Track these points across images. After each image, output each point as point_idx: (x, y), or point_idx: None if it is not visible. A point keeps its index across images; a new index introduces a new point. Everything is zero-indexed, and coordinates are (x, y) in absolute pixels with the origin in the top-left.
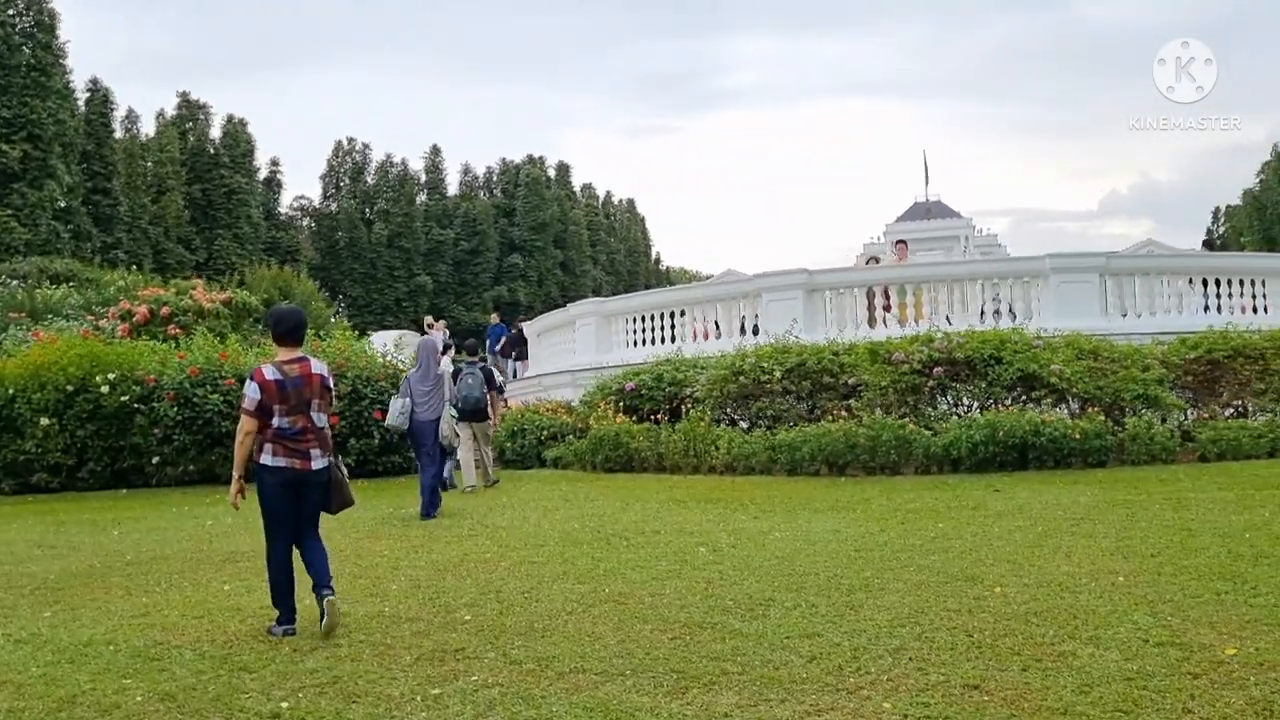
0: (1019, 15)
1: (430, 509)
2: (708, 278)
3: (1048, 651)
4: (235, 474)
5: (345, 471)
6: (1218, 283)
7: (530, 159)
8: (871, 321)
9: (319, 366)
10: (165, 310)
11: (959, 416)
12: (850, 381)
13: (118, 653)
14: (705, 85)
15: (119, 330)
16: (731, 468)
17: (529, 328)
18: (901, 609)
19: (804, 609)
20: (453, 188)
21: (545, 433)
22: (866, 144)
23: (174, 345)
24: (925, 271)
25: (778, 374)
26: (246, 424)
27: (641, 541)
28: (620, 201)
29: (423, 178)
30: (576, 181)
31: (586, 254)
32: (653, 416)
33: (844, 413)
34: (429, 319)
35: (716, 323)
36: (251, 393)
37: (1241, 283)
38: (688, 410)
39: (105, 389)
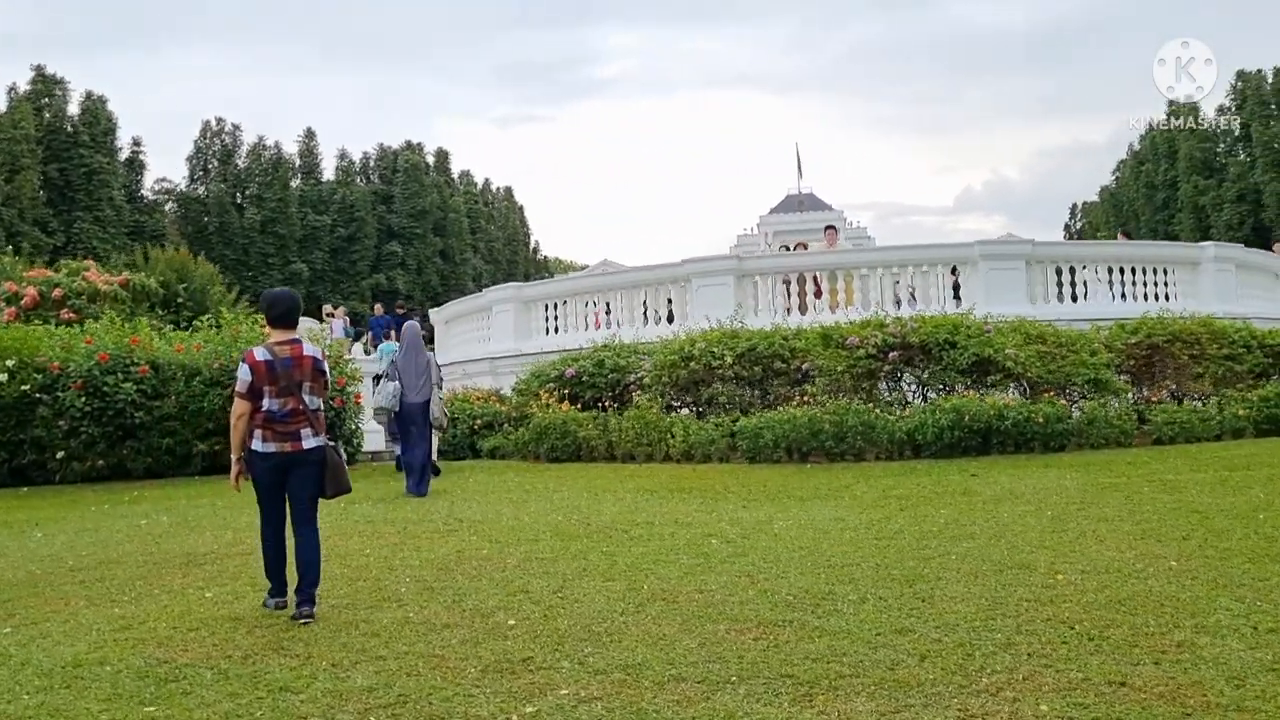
0: (881, 14)
1: (421, 485)
2: (583, 268)
3: (1164, 643)
4: (234, 456)
5: (344, 456)
6: (1132, 271)
7: (409, 145)
8: (803, 308)
9: (311, 349)
10: (57, 293)
11: (918, 401)
12: (804, 367)
13: (119, 674)
14: (577, 75)
15: (5, 315)
16: (689, 456)
17: (437, 314)
18: (977, 600)
19: (874, 602)
20: (329, 173)
21: (479, 421)
22: (739, 137)
23: (77, 330)
24: (856, 258)
25: (729, 359)
26: (239, 406)
27: (641, 534)
28: (498, 189)
29: (297, 162)
30: (455, 169)
31: (467, 242)
32: (598, 404)
33: (798, 398)
34: (328, 307)
35: (644, 306)
36: (243, 374)
37: (1154, 271)
38: (631, 397)
39: (3, 377)
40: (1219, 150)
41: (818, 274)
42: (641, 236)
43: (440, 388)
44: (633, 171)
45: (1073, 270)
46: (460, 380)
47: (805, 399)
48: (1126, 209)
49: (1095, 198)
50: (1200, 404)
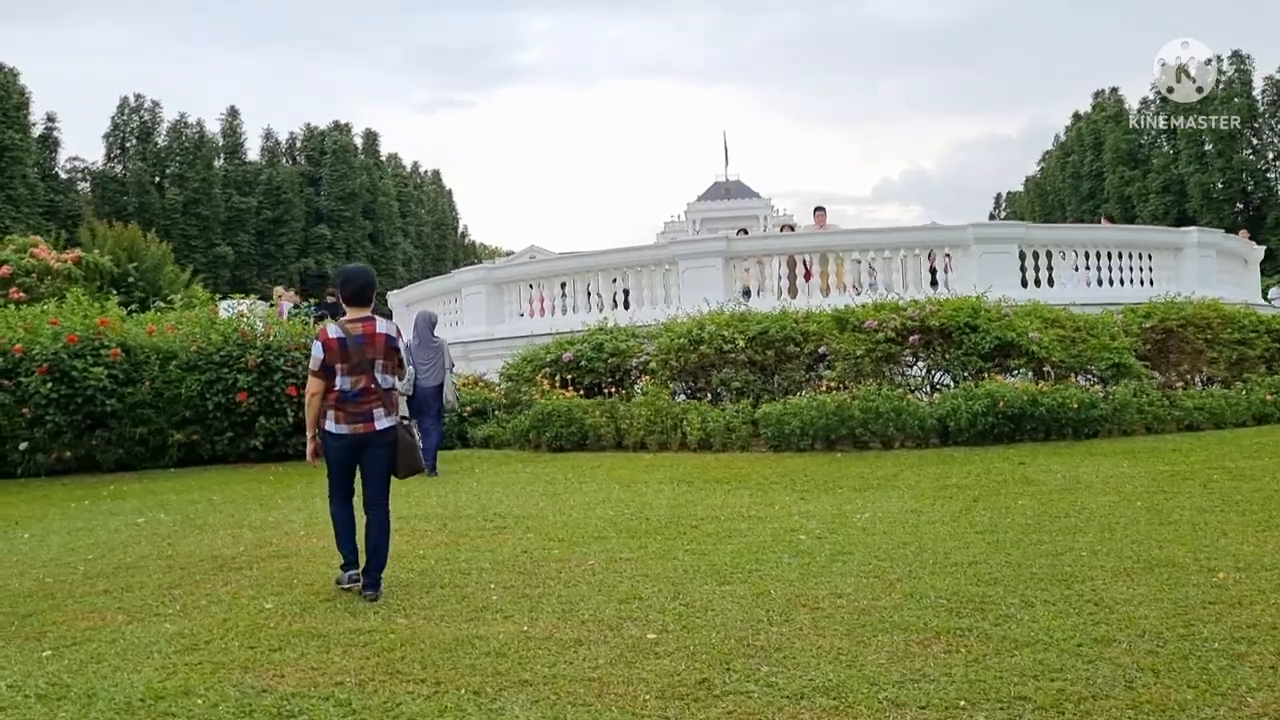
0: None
1: (433, 468)
2: (509, 254)
3: None
4: (309, 433)
5: (416, 436)
6: (1120, 256)
7: (337, 125)
8: (794, 291)
9: (385, 326)
10: (4, 270)
11: (945, 387)
12: (820, 350)
13: (216, 708)
14: (499, 61)
15: None
16: (706, 444)
17: (397, 297)
18: (1154, 603)
19: (1042, 606)
20: (253, 153)
21: (468, 409)
22: (664, 124)
23: (42, 310)
24: (846, 240)
25: (740, 343)
26: (312, 384)
27: (714, 530)
28: (427, 173)
29: (220, 141)
30: (384, 151)
31: (397, 226)
32: (597, 389)
33: (814, 383)
34: (278, 289)
35: (627, 291)
36: (316, 352)
37: (1140, 256)
38: (632, 382)
39: None
40: (1143, 142)
41: (807, 257)
42: (569, 223)
43: (452, 370)
44: (558, 158)
45: (1063, 255)
46: None
47: (825, 384)
48: (1052, 198)
49: (1018, 187)
50: (1226, 389)
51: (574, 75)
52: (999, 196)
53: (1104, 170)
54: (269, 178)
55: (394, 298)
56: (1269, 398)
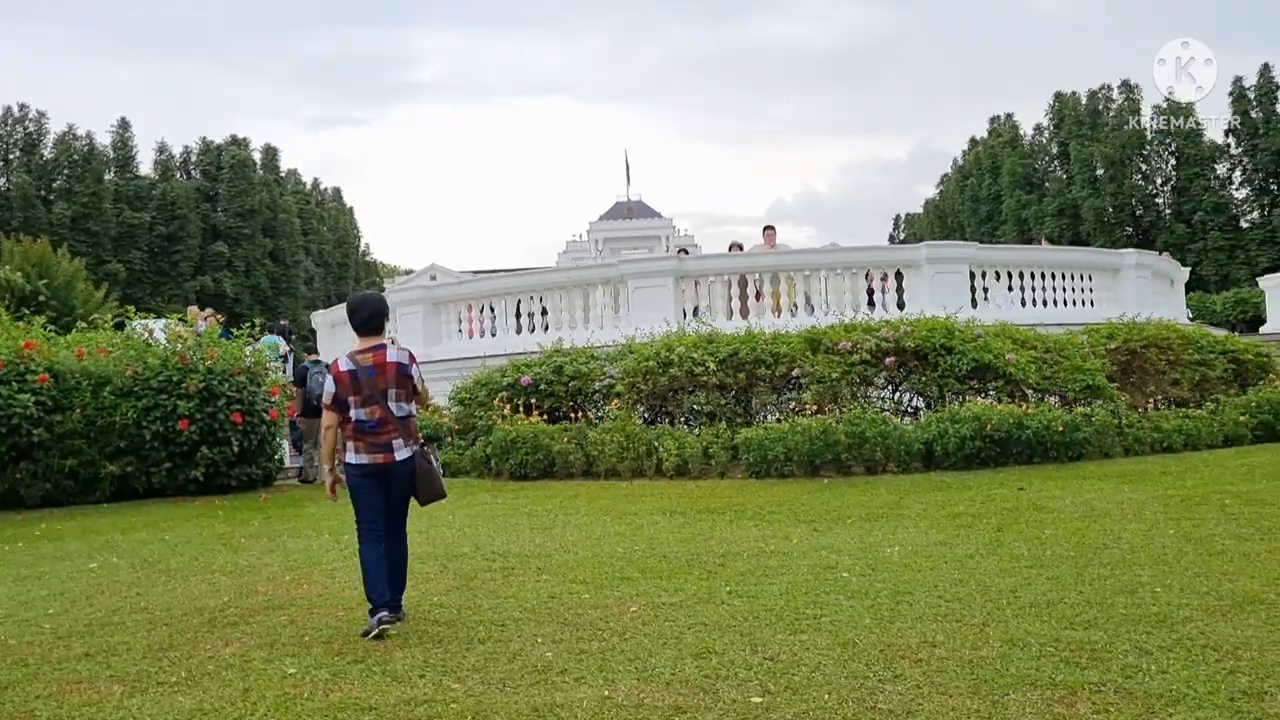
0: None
1: None
2: (409, 273)
3: None
4: (326, 466)
5: (437, 462)
6: (1063, 276)
7: (234, 139)
8: (744, 311)
9: (395, 354)
10: None
11: (916, 410)
12: (792, 373)
13: None
14: (391, 78)
15: None
16: (683, 471)
17: (321, 317)
18: (1274, 646)
19: (1159, 653)
20: (146, 166)
21: (420, 435)
22: (562, 143)
23: None
24: (798, 259)
25: (711, 365)
26: (327, 418)
27: (743, 568)
28: (328, 190)
29: (111, 154)
30: (283, 167)
31: (299, 244)
32: (557, 414)
33: (787, 406)
34: (193, 309)
35: (544, 310)
36: (328, 386)
37: (1082, 277)
38: (595, 406)
39: None
40: (1038, 166)
41: (758, 276)
42: (469, 241)
43: None
44: (456, 176)
45: (1010, 275)
46: None
47: (803, 407)
48: (951, 220)
49: (909, 208)
50: (1194, 410)
51: (469, 93)
52: (898, 218)
53: (1001, 193)
54: (163, 192)
55: (318, 318)
56: (1242, 419)
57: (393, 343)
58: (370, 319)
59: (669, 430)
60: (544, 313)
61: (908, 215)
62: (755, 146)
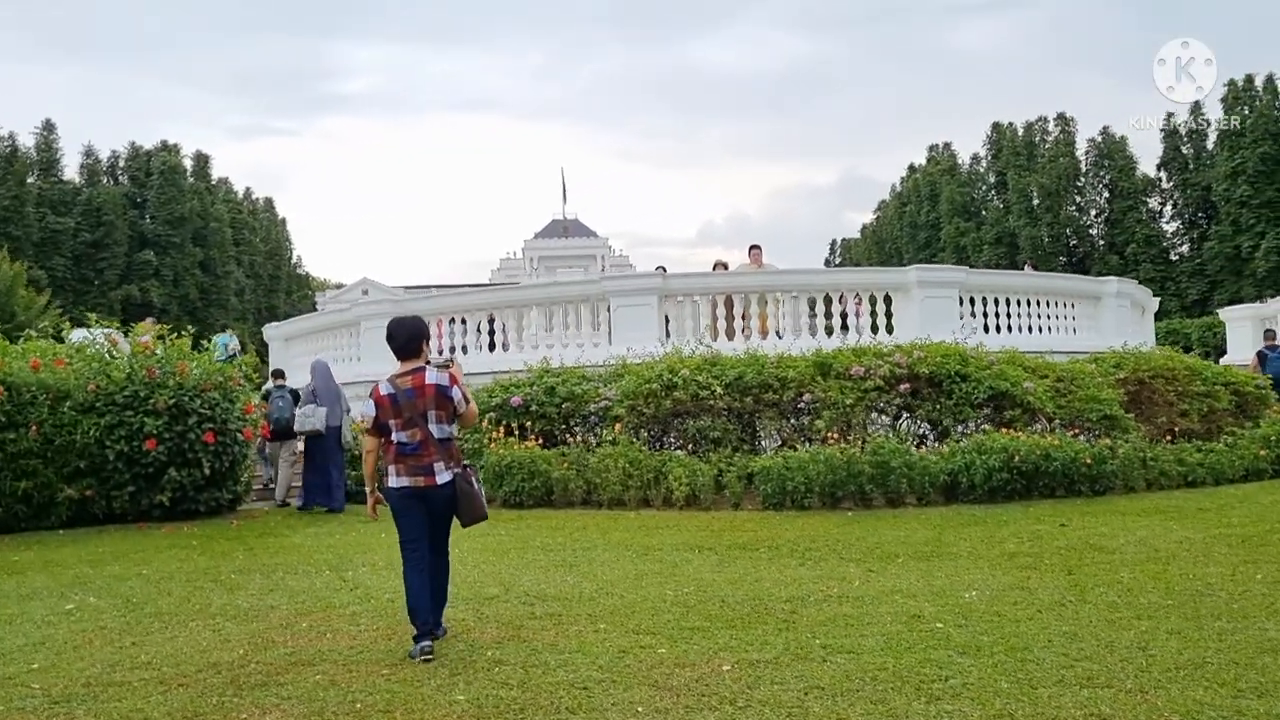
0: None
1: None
2: (339, 287)
3: None
4: (368, 488)
5: (478, 483)
6: (1048, 303)
7: (165, 145)
8: (730, 333)
9: (435, 376)
10: None
11: (925, 438)
12: (805, 398)
13: None
14: (320, 89)
15: None
16: (693, 501)
17: (275, 330)
18: None
19: None
20: (71, 170)
21: None
22: (496, 160)
23: None
24: (787, 280)
25: (718, 389)
26: (368, 442)
27: (820, 616)
28: (259, 200)
29: (35, 156)
30: (214, 175)
31: (230, 254)
32: (549, 437)
33: (798, 434)
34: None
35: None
36: (369, 410)
37: (1065, 304)
38: (589, 430)
39: None
40: (976, 195)
41: (745, 296)
42: (402, 256)
43: (349, 412)
44: (388, 190)
45: (996, 301)
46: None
47: (808, 434)
48: (889, 246)
49: (839, 234)
50: (1206, 441)
51: (400, 108)
52: (834, 243)
53: (940, 220)
54: (89, 198)
55: (271, 331)
56: (1261, 453)
57: (432, 364)
58: (409, 342)
59: (676, 457)
60: (502, 330)
61: (844, 240)
62: (687, 168)
